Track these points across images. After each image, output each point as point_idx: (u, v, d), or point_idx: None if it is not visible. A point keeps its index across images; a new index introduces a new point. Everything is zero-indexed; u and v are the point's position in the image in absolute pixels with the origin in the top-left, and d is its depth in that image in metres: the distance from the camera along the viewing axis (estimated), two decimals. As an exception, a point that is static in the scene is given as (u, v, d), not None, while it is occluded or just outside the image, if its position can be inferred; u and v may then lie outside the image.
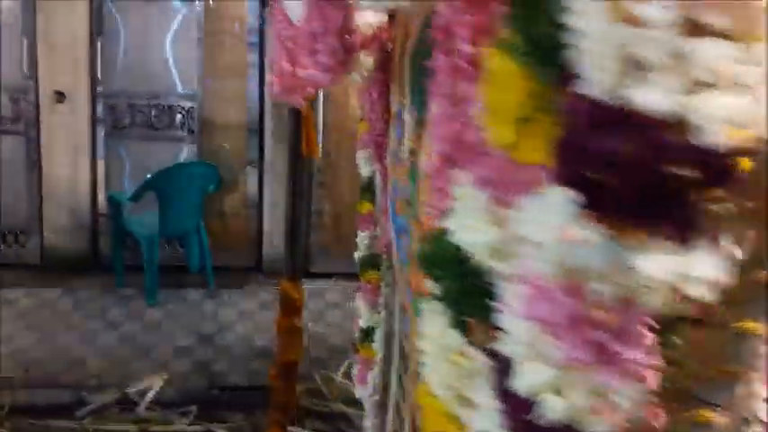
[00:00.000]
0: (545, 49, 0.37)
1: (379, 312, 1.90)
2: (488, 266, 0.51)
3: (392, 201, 1.66)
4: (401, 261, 1.51)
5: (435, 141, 0.67)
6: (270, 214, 4.37)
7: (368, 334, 1.91)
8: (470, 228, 0.51)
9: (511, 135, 0.41)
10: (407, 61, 1.33)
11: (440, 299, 0.60)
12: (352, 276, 4.21)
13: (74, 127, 4.04)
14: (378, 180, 1.85)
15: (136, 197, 3.64)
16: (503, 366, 0.50)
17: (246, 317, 3.62)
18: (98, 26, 4.07)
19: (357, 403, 2.85)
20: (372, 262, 1.89)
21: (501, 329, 0.49)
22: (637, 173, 0.32)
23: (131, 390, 2.96)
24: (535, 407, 0.46)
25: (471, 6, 0.60)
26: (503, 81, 0.42)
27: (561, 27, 0.36)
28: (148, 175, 3.73)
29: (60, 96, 3.96)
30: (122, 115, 4.18)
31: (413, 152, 1.23)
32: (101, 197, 4.19)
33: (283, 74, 1.14)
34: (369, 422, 1.92)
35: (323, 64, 0.83)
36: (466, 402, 0.56)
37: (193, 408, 2.85)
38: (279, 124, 4.27)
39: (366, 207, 1.89)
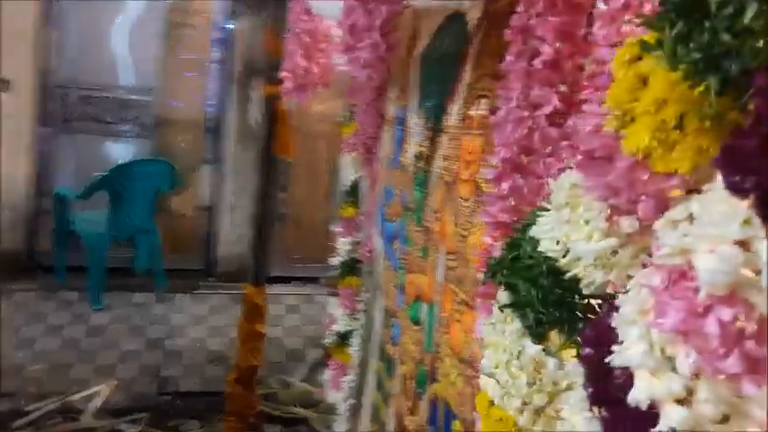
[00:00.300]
0: (711, 54, 0.37)
1: (356, 318, 1.88)
2: (590, 275, 0.50)
3: (382, 206, 1.64)
4: (392, 267, 1.49)
5: (500, 146, 0.65)
6: (226, 216, 4.25)
7: (344, 338, 1.89)
8: (570, 237, 0.50)
9: (648, 141, 0.41)
10: (415, 64, 1.32)
11: (514, 307, 0.58)
12: (311, 281, 4.17)
13: (16, 117, 3.80)
14: (364, 184, 1.83)
15: (87, 194, 3.46)
16: (607, 376, 0.49)
17: (198, 321, 3.50)
18: (49, 12, 3.86)
19: (315, 407, 2.82)
20: (353, 267, 1.87)
21: (607, 339, 0.48)
22: None
23: (75, 397, 2.80)
24: (646, 416, 0.45)
25: (555, 8, 0.59)
26: (643, 85, 0.41)
27: (735, 33, 0.35)
28: (100, 171, 3.55)
29: (4, 84, 3.72)
30: (71, 107, 3.97)
31: (422, 157, 1.22)
32: (42, 193, 3.95)
33: (297, 69, 1.10)
34: (342, 426, 1.89)
35: (363, 59, 0.80)
36: (537, 411, 0.55)
37: (144, 415, 2.73)
38: (241, 123, 4.17)
39: (349, 211, 1.87)
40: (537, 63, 0.61)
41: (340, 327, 1.85)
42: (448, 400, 0.98)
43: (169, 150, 4.08)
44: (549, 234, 0.53)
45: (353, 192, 1.85)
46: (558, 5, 0.58)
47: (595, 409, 0.51)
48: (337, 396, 1.85)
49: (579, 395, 0.52)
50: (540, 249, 0.53)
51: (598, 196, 0.46)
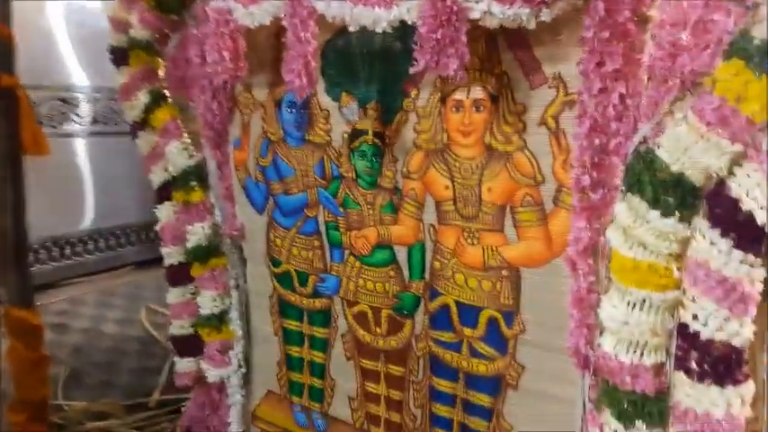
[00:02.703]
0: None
1: (229, 295, 2.00)
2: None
3: (254, 184, 1.77)
4: (306, 232, 1.70)
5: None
6: None
7: (220, 318, 1.99)
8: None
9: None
10: (316, 54, 1.52)
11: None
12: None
13: None
14: (213, 167, 1.91)
15: None
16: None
17: None
18: None
19: (104, 418, 2.64)
20: (213, 250, 1.95)
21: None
22: None
23: None
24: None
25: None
26: None
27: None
28: None
29: None
30: None
31: (362, 134, 1.47)
32: None
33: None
34: (237, 396, 2.02)
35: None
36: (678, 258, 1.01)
37: None
38: None
39: (197, 196, 1.93)
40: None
41: (210, 309, 1.91)
42: (469, 302, 1.35)
43: None
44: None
45: (195, 176, 1.87)
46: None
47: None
48: (226, 370, 1.93)
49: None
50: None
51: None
